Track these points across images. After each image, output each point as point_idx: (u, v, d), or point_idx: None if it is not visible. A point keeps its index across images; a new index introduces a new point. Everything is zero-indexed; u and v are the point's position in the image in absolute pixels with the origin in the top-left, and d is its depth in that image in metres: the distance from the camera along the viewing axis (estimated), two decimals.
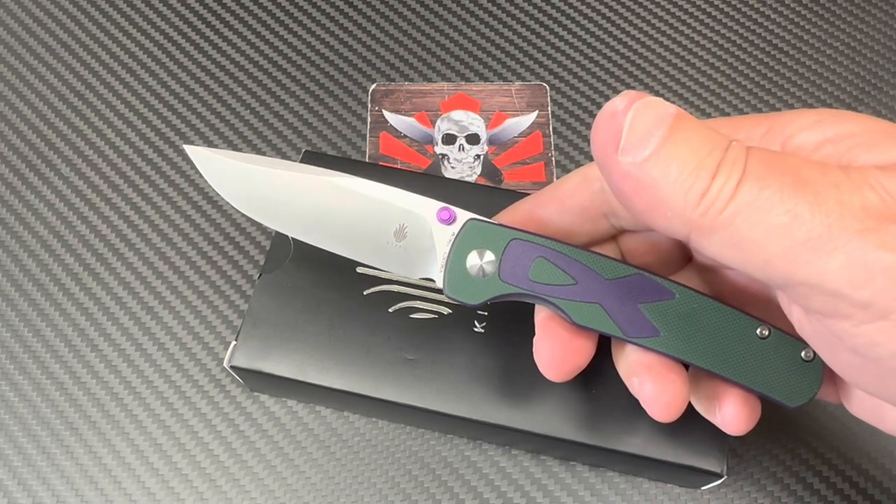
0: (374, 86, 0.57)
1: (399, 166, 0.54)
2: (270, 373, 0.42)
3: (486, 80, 0.58)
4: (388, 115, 0.56)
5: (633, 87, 0.58)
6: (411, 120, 0.56)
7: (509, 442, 0.46)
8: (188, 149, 0.40)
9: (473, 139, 0.55)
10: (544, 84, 0.57)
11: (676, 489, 0.46)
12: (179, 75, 0.57)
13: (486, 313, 0.44)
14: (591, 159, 0.35)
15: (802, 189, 0.26)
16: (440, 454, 0.46)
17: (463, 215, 0.36)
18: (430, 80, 0.57)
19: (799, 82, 0.58)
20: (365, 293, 0.44)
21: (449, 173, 0.54)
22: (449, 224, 0.36)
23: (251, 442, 0.47)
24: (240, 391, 0.48)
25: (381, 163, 0.54)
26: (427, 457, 0.46)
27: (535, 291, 0.35)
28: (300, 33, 0.59)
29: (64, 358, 0.48)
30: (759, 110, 0.57)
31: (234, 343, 0.43)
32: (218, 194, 0.40)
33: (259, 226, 0.52)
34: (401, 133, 0.55)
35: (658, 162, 0.27)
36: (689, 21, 0.60)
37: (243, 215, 0.52)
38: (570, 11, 0.60)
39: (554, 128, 0.56)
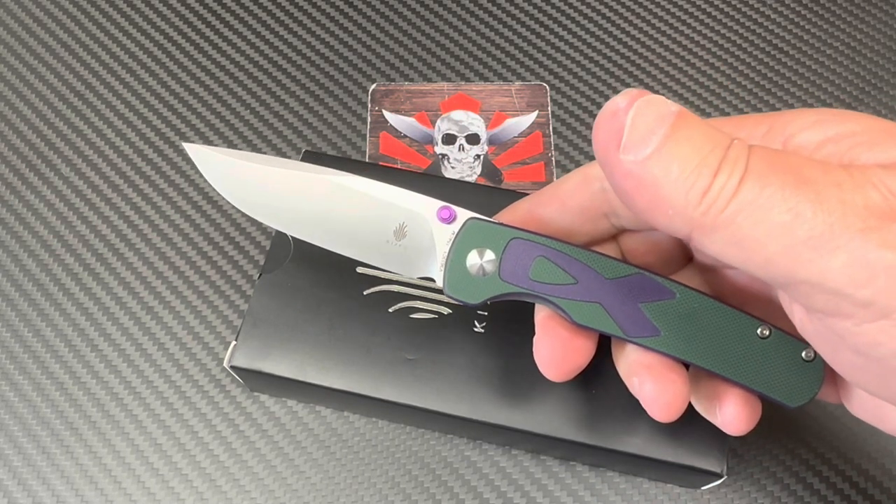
0: (374, 86, 0.57)
1: (399, 166, 0.54)
2: (270, 373, 0.42)
3: (486, 80, 0.58)
4: (388, 115, 0.56)
5: (634, 87, 0.57)
6: (411, 120, 0.56)
7: (509, 442, 0.46)
8: (187, 147, 0.40)
9: (473, 139, 0.55)
10: (544, 84, 0.57)
11: (676, 489, 0.46)
12: (179, 75, 0.57)
13: (486, 313, 0.44)
14: (592, 159, 0.35)
15: (804, 187, 0.25)
16: (440, 454, 0.46)
17: (463, 214, 0.36)
18: (430, 80, 0.57)
19: (799, 82, 0.58)
20: (365, 293, 0.44)
21: (449, 173, 0.54)
22: (449, 223, 0.36)
23: (251, 442, 0.47)
24: (240, 391, 0.48)
25: (381, 163, 0.54)
26: (427, 457, 0.46)
27: (536, 291, 0.35)
28: (300, 33, 0.59)
29: (64, 358, 0.48)
30: (759, 110, 0.57)
31: (234, 343, 0.43)
32: (218, 193, 0.40)
33: (259, 226, 0.52)
34: (401, 133, 0.55)
35: (660, 160, 0.27)
36: (689, 21, 0.60)
37: (243, 215, 0.52)
38: (570, 11, 0.60)
39: (554, 128, 0.56)
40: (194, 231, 0.52)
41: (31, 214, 0.52)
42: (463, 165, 0.54)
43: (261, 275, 0.44)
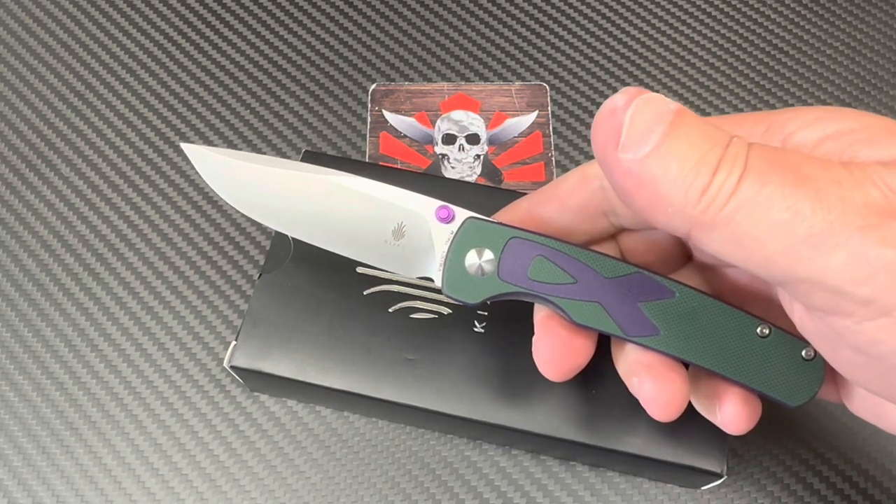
0: (374, 86, 0.57)
1: (399, 166, 0.54)
2: (270, 373, 0.42)
3: (486, 80, 0.58)
4: (388, 115, 0.56)
5: (634, 87, 0.57)
6: (411, 120, 0.56)
7: (509, 442, 0.46)
8: (185, 147, 0.40)
9: (473, 139, 0.55)
10: (544, 84, 0.57)
11: (676, 489, 0.46)
12: (179, 75, 0.57)
13: (485, 313, 0.44)
14: (592, 159, 0.35)
15: (804, 185, 0.25)
16: (440, 454, 0.46)
17: (461, 214, 0.36)
18: (430, 80, 0.57)
19: (799, 82, 0.58)
20: (365, 293, 0.44)
21: (449, 173, 0.54)
22: (447, 223, 0.36)
23: (251, 442, 0.47)
24: (240, 391, 0.48)
25: (381, 163, 0.54)
26: (427, 457, 0.46)
27: (535, 290, 0.35)
28: (300, 33, 0.59)
29: (64, 358, 0.48)
30: (759, 110, 0.57)
31: (234, 343, 0.43)
32: (217, 193, 0.40)
33: (259, 226, 0.52)
34: (401, 133, 0.55)
35: (658, 158, 0.27)
36: (689, 21, 0.60)
37: (242, 215, 0.52)
38: (570, 11, 0.60)
39: (554, 128, 0.56)
40: (194, 231, 0.52)
41: (31, 214, 0.52)
42: (463, 165, 0.54)
43: (261, 275, 0.44)
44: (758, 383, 0.34)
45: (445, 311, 0.44)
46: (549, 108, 0.56)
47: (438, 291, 0.42)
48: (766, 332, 0.33)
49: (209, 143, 0.55)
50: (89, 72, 0.57)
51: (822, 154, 0.28)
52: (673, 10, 0.61)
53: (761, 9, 0.61)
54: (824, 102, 0.57)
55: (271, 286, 0.44)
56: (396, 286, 0.44)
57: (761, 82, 0.58)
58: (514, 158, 0.55)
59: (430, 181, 0.48)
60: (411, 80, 0.58)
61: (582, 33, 0.60)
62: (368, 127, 0.56)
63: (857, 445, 0.47)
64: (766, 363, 0.33)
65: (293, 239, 0.44)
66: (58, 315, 0.50)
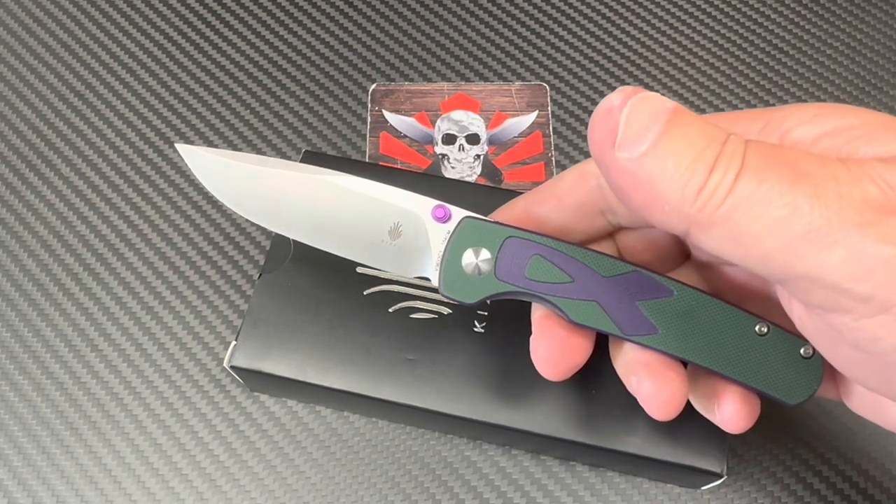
0: (374, 86, 0.57)
1: (399, 166, 0.54)
2: (270, 373, 0.42)
3: (486, 80, 0.58)
4: (388, 115, 0.56)
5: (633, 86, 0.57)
6: (411, 120, 0.56)
7: (509, 442, 0.46)
8: (180, 148, 0.40)
9: (473, 139, 0.55)
10: (544, 84, 0.57)
11: (676, 489, 0.46)
12: (179, 75, 0.57)
13: (485, 313, 0.44)
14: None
15: (801, 182, 0.25)
16: (440, 454, 0.46)
17: (458, 213, 0.36)
18: (430, 80, 0.57)
19: (799, 82, 0.58)
20: (365, 293, 0.44)
21: (449, 173, 0.54)
22: (444, 222, 0.36)
23: (251, 442, 0.47)
24: (240, 391, 0.48)
25: (381, 163, 0.54)
26: (427, 457, 0.46)
27: (532, 289, 0.35)
28: (300, 33, 0.59)
29: (64, 358, 0.48)
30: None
31: (234, 343, 0.43)
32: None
33: (259, 226, 0.52)
34: (401, 133, 0.55)
35: (655, 157, 0.27)
36: (689, 21, 0.60)
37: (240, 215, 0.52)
38: (570, 11, 0.60)
39: (554, 128, 0.56)
40: (194, 231, 0.52)
41: (31, 214, 0.52)
42: (463, 165, 0.54)
43: (261, 275, 0.44)
44: (756, 381, 0.34)
45: (445, 311, 0.44)
46: (549, 108, 0.56)
47: (437, 291, 0.42)
48: (765, 330, 0.33)
49: (209, 142, 0.55)
50: (89, 72, 0.57)
51: (820, 151, 0.28)
52: (673, 10, 0.61)
53: (761, 9, 0.61)
54: (824, 102, 0.57)
55: (271, 286, 0.44)
56: (396, 286, 0.44)
57: (761, 82, 0.58)
58: (514, 158, 0.55)
59: (430, 181, 0.48)
60: (411, 80, 0.58)
61: (582, 33, 0.60)
62: (368, 127, 0.56)
63: (857, 445, 0.47)
64: (765, 361, 0.33)
65: (293, 239, 0.44)
66: (58, 315, 0.50)
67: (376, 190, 0.37)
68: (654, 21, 0.60)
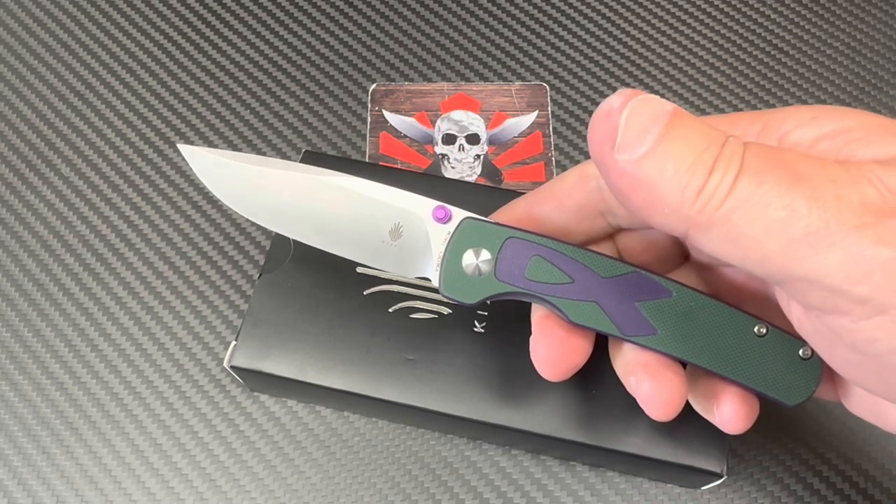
0: (374, 86, 0.57)
1: (399, 166, 0.54)
2: (270, 373, 0.42)
3: (486, 80, 0.58)
4: (388, 115, 0.56)
5: (633, 87, 0.57)
6: (411, 120, 0.56)
7: (509, 442, 0.46)
8: (182, 148, 0.40)
9: (473, 139, 0.55)
10: (544, 84, 0.57)
11: (676, 489, 0.46)
12: (179, 75, 0.57)
13: (485, 313, 0.44)
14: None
15: (800, 184, 0.25)
16: (440, 454, 0.46)
17: (458, 214, 0.36)
18: (430, 80, 0.57)
19: (799, 82, 0.58)
20: (365, 293, 0.44)
21: (449, 173, 0.54)
22: (444, 223, 0.36)
23: (251, 442, 0.47)
24: (240, 391, 0.48)
25: (381, 163, 0.54)
26: (427, 457, 0.46)
27: (532, 290, 0.35)
28: (300, 33, 0.59)
29: (64, 358, 0.48)
30: (758, 110, 0.57)
31: (234, 343, 0.43)
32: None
33: (259, 226, 0.52)
34: (401, 133, 0.55)
35: (654, 159, 0.27)
36: (689, 21, 0.60)
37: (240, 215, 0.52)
38: (570, 11, 0.60)
39: (554, 128, 0.56)
40: (194, 231, 0.52)
41: (31, 214, 0.52)
42: (463, 165, 0.54)
43: (261, 275, 0.44)
44: (755, 382, 0.34)
45: (445, 311, 0.44)
46: (549, 108, 0.56)
47: (438, 291, 0.42)
48: (764, 331, 0.33)
49: (209, 142, 0.55)
50: (89, 72, 0.57)
51: (819, 153, 0.28)
52: (673, 10, 0.61)
53: (761, 9, 0.61)
54: (824, 102, 0.57)
55: (271, 286, 0.44)
56: (396, 286, 0.44)
57: (761, 82, 0.58)
58: (514, 158, 0.55)
59: (430, 181, 0.48)
60: (411, 80, 0.58)
61: (582, 33, 0.60)
62: (368, 127, 0.56)
63: (857, 445, 0.47)
64: (764, 362, 0.33)
65: (293, 239, 0.44)
66: (58, 315, 0.50)
67: (377, 191, 0.38)
68: (654, 21, 0.60)
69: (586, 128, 0.55)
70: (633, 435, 0.41)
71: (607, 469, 0.46)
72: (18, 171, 0.54)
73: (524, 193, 0.39)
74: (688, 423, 0.37)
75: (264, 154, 0.54)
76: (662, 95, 0.57)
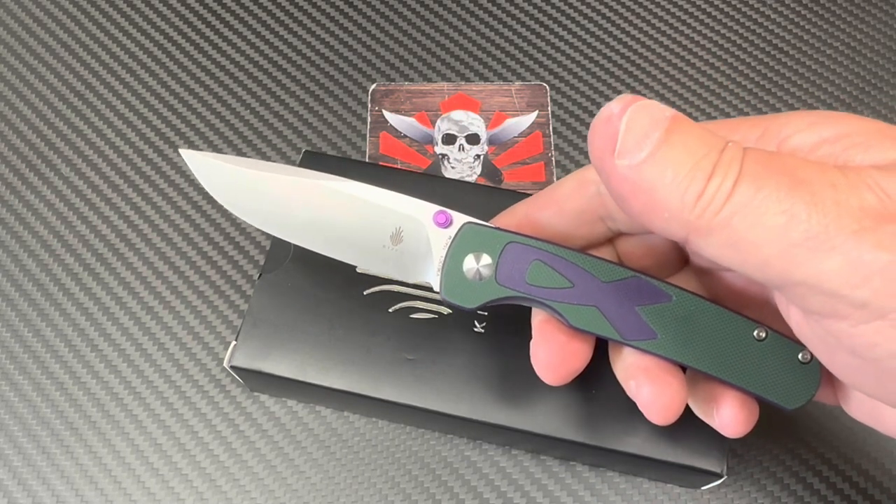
0: (374, 86, 0.57)
1: (399, 166, 0.54)
2: (270, 373, 0.42)
3: (486, 80, 0.58)
4: (388, 115, 0.56)
5: (633, 88, 0.58)
6: (411, 120, 0.56)
7: (509, 442, 0.46)
8: (183, 152, 0.40)
9: (473, 139, 0.55)
10: (544, 84, 0.57)
11: (676, 489, 0.46)
12: (179, 75, 0.57)
13: (485, 314, 0.44)
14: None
15: (799, 189, 0.26)
16: (440, 454, 0.46)
17: (459, 218, 0.36)
18: (430, 80, 0.57)
19: (799, 82, 0.58)
20: (365, 293, 0.44)
21: (449, 173, 0.54)
22: (445, 227, 0.36)
23: (251, 442, 0.47)
24: (240, 391, 0.48)
25: (381, 163, 0.54)
26: (427, 457, 0.46)
27: (532, 294, 0.35)
28: (300, 33, 0.59)
29: (64, 358, 0.48)
30: (759, 110, 0.57)
31: (234, 343, 0.43)
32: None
33: None
34: (401, 133, 0.55)
35: (654, 164, 0.27)
36: (689, 21, 0.60)
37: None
38: (570, 11, 0.60)
39: (554, 128, 0.56)
40: (194, 231, 0.52)
41: (31, 214, 0.52)
42: (463, 165, 0.54)
43: (261, 275, 0.44)
44: (755, 386, 0.34)
45: (445, 311, 0.44)
46: (549, 108, 0.56)
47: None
48: (763, 335, 0.33)
49: (208, 142, 0.55)
50: (89, 72, 0.57)
51: (818, 158, 0.29)
52: (673, 10, 0.61)
53: (761, 9, 0.61)
54: (825, 103, 0.57)
55: (271, 286, 0.44)
56: (396, 286, 0.44)
57: (761, 83, 0.58)
58: (514, 158, 0.55)
59: (430, 181, 0.48)
60: (411, 80, 0.58)
61: (582, 33, 0.60)
62: (368, 127, 0.56)
63: (857, 445, 0.47)
64: (763, 366, 0.33)
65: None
66: (58, 315, 0.50)
67: (378, 195, 0.38)
68: (654, 21, 0.60)
69: (586, 128, 0.55)
70: (633, 435, 0.41)
71: (607, 469, 0.46)
72: (18, 171, 0.54)
73: (524, 193, 0.39)
74: (688, 423, 0.37)
75: (264, 154, 0.54)
76: (662, 96, 0.57)
